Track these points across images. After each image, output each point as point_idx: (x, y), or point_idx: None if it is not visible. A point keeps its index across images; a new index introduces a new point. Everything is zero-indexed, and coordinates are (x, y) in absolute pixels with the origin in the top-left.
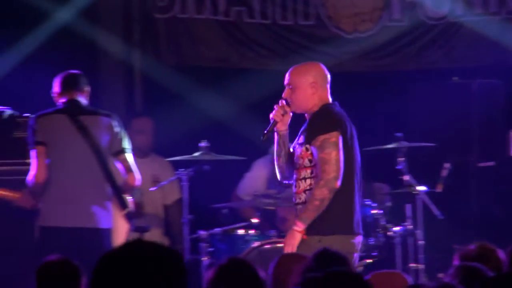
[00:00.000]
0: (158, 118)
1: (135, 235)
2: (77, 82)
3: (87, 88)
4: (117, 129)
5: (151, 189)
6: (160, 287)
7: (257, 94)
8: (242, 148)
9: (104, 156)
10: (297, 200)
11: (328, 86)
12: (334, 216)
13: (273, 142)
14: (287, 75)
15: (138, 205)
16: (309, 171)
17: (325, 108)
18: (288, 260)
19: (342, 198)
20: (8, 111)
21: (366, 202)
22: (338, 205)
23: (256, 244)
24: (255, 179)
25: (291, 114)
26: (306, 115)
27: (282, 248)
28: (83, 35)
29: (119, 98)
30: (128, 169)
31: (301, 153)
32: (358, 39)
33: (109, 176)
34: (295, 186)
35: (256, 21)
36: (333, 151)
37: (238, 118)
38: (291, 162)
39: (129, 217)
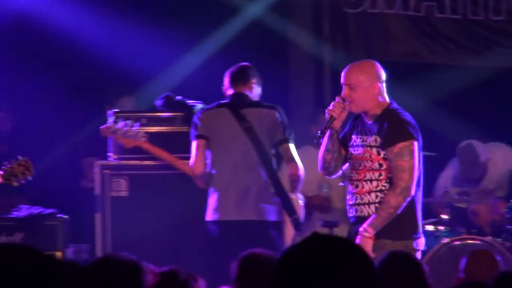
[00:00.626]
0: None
1: (324, 230)
2: (243, 75)
3: (255, 80)
4: (280, 119)
5: (340, 184)
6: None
7: (446, 89)
8: (431, 143)
9: (266, 151)
10: (357, 201)
11: (385, 85)
12: (405, 222)
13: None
14: (344, 74)
15: (326, 199)
16: (377, 173)
17: (399, 113)
18: (480, 256)
19: (411, 205)
20: (199, 105)
21: None
22: (407, 212)
23: (445, 240)
24: (445, 178)
25: (347, 111)
26: (363, 114)
27: (472, 244)
28: (273, 29)
29: (308, 91)
30: (290, 159)
31: (369, 155)
32: None
33: (272, 172)
34: (355, 186)
35: (446, 16)
36: (411, 160)
37: (426, 114)
38: (339, 159)
39: (296, 224)
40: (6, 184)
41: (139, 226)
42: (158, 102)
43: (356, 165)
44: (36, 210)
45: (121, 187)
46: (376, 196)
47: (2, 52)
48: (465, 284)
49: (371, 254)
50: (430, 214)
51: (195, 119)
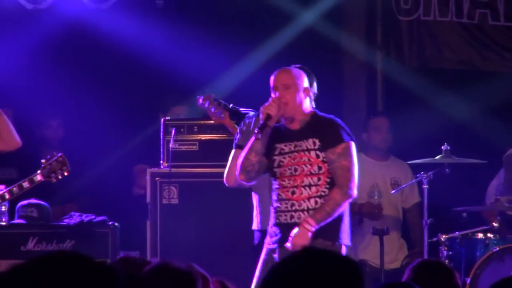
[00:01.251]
0: (398, 120)
1: (375, 238)
2: None
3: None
4: None
5: (392, 192)
6: None
7: (499, 97)
8: (483, 151)
9: None
10: (294, 207)
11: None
12: (344, 225)
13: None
14: (279, 75)
15: (377, 207)
16: (315, 178)
17: (331, 117)
18: None
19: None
20: (251, 113)
21: None
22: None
23: (496, 248)
24: (496, 186)
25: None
26: (286, 121)
27: None
28: (327, 36)
29: (361, 98)
30: None
31: (307, 159)
32: None
33: None
34: (292, 193)
35: (500, 23)
36: (354, 160)
37: (479, 121)
38: (262, 165)
39: None
40: (48, 183)
41: (188, 233)
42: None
43: (290, 172)
44: (87, 217)
45: (172, 195)
46: (316, 202)
47: (59, 60)
48: None
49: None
50: (481, 222)
51: (240, 127)
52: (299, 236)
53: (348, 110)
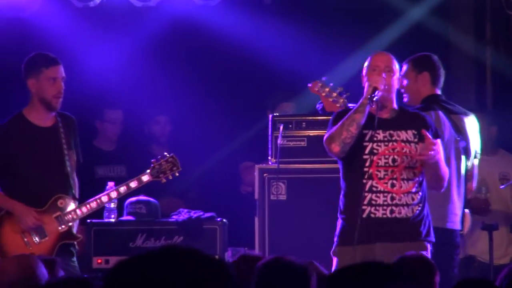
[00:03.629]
0: (508, 114)
1: (484, 233)
2: None
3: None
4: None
5: (501, 186)
6: None
7: None
8: None
9: None
10: (396, 201)
11: None
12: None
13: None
14: (386, 58)
15: (485, 201)
16: (411, 172)
17: (419, 111)
18: None
19: None
20: None
21: None
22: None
23: None
24: None
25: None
26: (378, 108)
27: None
28: (435, 32)
29: (470, 94)
30: None
31: (408, 151)
32: None
33: None
34: (391, 185)
35: None
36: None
37: None
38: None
39: None
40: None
41: (296, 230)
42: (319, 106)
43: (386, 162)
44: (195, 214)
45: (280, 191)
46: (412, 198)
47: (167, 57)
48: None
49: None
50: None
51: None
52: None
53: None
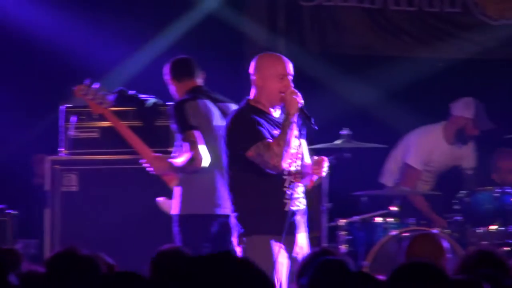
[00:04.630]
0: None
1: None
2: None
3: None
4: None
5: None
6: None
7: (401, 81)
8: (384, 135)
9: None
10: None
11: None
12: None
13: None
14: (291, 66)
15: None
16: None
17: None
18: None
19: None
20: (152, 100)
21: (507, 190)
22: None
23: (394, 232)
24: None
25: None
26: (272, 108)
27: None
28: (229, 23)
29: None
30: None
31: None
32: (504, 26)
33: None
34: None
35: (401, 8)
36: None
37: (380, 106)
38: None
39: None
40: None
41: (88, 221)
42: (111, 97)
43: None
44: None
45: (72, 182)
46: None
47: None
48: None
49: None
50: (380, 206)
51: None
52: None
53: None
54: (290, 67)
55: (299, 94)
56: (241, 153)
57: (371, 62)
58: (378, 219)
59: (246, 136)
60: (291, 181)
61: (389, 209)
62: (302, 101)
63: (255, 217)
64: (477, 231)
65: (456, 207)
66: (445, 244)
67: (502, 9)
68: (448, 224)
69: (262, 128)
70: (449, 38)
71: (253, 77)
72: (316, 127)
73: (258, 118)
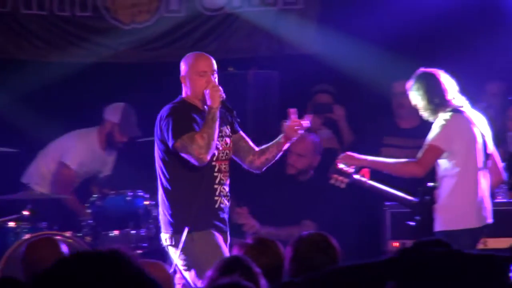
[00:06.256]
0: None
1: None
2: None
3: None
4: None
5: None
6: None
7: (31, 85)
8: (15, 140)
9: None
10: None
11: None
12: None
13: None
14: (210, 60)
15: None
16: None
17: None
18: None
19: None
20: None
21: (139, 193)
22: None
23: (27, 236)
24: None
25: None
26: (202, 105)
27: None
28: None
29: None
30: None
31: (230, 145)
32: (135, 30)
33: None
34: (228, 178)
35: (33, 12)
36: None
37: (11, 110)
38: None
39: None
40: None
41: None
42: None
43: (223, 156)
44: None
45: None
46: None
47: None
48: None
49: None
50: (15, 210)
51: None
52: None
53: None
54: (211, 64)
55: (220, 88)
56: (169, 144)
57: (4, 66)
58: (11, 224)
59: (175, 128)
60: (221, 178)
61: (22, 213)
62: (224, 95)
63: (186, 214)
64: (110, 234)
65: (89, 210)
66: (64, 249)
67: (132, 14)
68: (81, 227)
69: (192, 122)
70: (81, 42)
71: (181, 77)
72: (239, 119)
73: (191, 113)
